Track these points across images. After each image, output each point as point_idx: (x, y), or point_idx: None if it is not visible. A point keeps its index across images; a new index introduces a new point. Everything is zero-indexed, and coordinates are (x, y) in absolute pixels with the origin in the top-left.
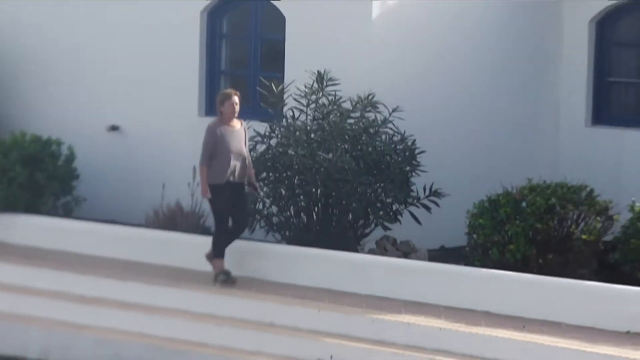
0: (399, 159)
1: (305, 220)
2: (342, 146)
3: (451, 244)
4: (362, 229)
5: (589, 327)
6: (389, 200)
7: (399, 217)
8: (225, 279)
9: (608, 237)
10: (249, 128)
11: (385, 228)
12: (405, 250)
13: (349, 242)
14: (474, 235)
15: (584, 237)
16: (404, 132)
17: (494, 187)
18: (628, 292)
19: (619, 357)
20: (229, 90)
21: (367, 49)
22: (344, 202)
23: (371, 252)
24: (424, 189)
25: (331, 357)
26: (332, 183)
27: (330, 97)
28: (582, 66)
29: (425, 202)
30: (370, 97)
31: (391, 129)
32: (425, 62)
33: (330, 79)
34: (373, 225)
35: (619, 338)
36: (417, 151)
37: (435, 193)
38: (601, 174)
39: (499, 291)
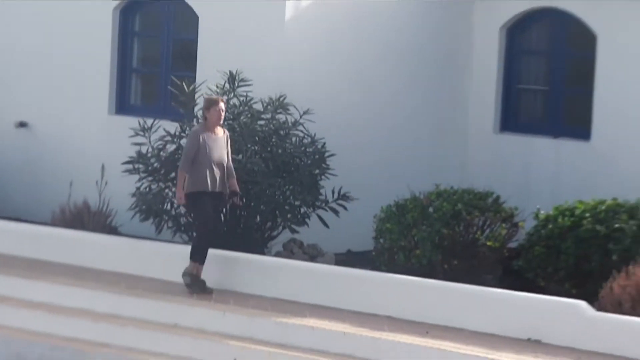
0: (309, 161)
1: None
2: (252, 147)
3: (358, 248)
4: (270, 232)
5: (492, 333)
6: (297, 203)
7: (307, 220)
8: (202, 289)
9: (513, 244)
10: (158, 127)
11: (293, 231)
12: (312, 254)
13: (256, 244)
14: (381, 240)
15: (489, 243)
16: (314, 134)
17: (401, 192)
18: (530, 300)
19: None
20: (215, 96)
21: (279, 51)
22: (252, 204)
23: (278, 254)
24: (333, 192)
25: (234, 359)
26: (241, 184)
27: (241, 98)
28: (492, 73)
29: (334, 205)
30: (281, 99)
31: (301, 131)
32: (337, 66)
33: (242, 80)
34: (281, 227)
35: (520, 345)
36: (326, 154)
37: (344, 197)
38: (508, 181)
39: (403, 296)
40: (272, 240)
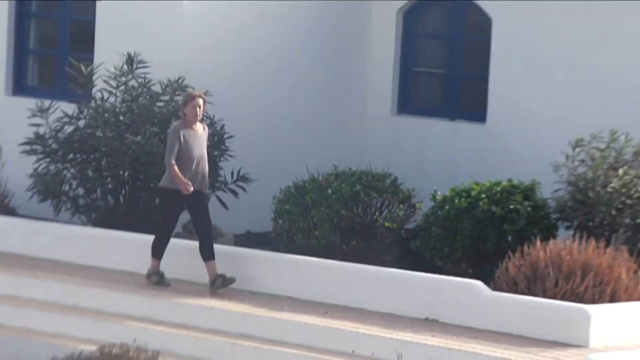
0: (208, 143)
1: (112, 203)
2: (151, 129)
3: (257, 230)
4: None
5: (390, 313)
6: None
7: None
8: (158, 281)
9: (410, 225)
10: (56, 109)
11: None
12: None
13: (155, 225)
14: (280, 221)
15: (387, 224)
16: (213, 116)
17: (300, 174)
18: (428, 280)
19: (417, 344)
20: (194, 92)
21: (179, 33)
22: (151, 185)
23: (177, 235)
24: (232, 174)
25: (134, 340)
26: (140, 166)
27: (140, 80)
28: (389, 56)
29: (233, 187)
30: (180, 81)
31: None
32: (237, 49)
33: (141, 62)
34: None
35: (418, 324)
36: (225, 136)
37: (243, 178)
38: (405, 163)
39: (302, 277)
40: None
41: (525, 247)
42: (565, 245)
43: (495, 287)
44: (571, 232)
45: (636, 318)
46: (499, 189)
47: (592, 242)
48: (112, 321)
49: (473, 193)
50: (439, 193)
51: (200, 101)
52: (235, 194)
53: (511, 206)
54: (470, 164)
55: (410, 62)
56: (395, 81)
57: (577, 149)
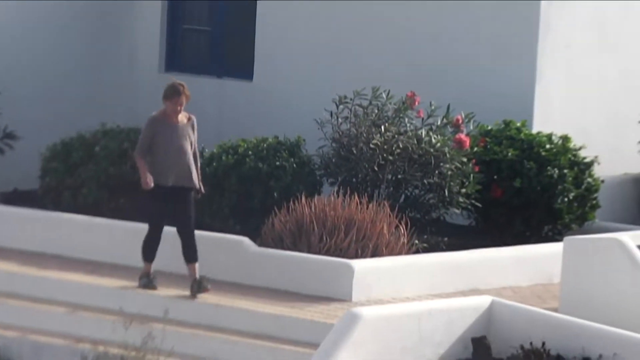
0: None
1: None
2: None
3: (24, 187)
4: None
5: (158, 270)
6: None
7: None
8: (146, 283)
9: None
10: None
11: None
12: None
13: None
14: (47, 179)
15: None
16: None
17: (67, 131)
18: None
19: (184, 300)
20: (175, 84)
21: None
22: None
23: None
24: None
25: None
26: None
27: None
28: (157, 13)
29: None
30: None
31: None
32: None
33: None
34: None
35: (185, 281)
36: None
37: (9, 135)
38: None
39: (70, 235)
40: None
41: (291, 203)
42: (329, 201)
43: (262, 243)
44: (335, 188)
45: (397, 272)
46: (265, 145)
47: (356, 198)
48: None
49: (240, 150)
50: (207, 150)
51: (183, 99)
52: (1, 151)
53: (277, 163)
54: (238, 121)
55: (178, 20)
56: (163, 38)
57: (341, 106)
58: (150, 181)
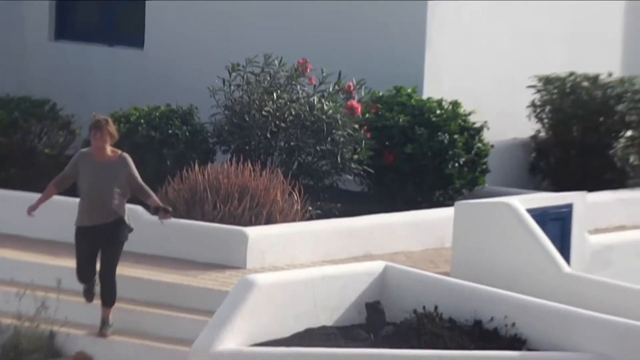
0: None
1: None
2: None
3: None
4: None
5: (51, 240)
6: None
7: None
8: (102, 333)
9: (70, 151)
10: None
11: None
12: None
13: None
14: None
15: (46, 151)
16: None
17: None
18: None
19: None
20: (97, 118)
21: None
22: None
23: None
24: None
25: None
26: None
27: None
28: None
29: None
30: None
31: None
32: None
33: None
34: None
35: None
36: None
37: None
38: (65, 89)
39: None
40: None
41: (185, 171)
42: (223, 169)
43: (153, 213)
44: (228, 155)
45: (291, 239)
46: (157, 114)
47: (249, 166)
48: None
49: (132, 118)
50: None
51: (98, 134)
52: None
53: (170, 131)
54: (130, 90)
55: None
56: (53, 6)
57: (233, 74)
58: (31, 210)
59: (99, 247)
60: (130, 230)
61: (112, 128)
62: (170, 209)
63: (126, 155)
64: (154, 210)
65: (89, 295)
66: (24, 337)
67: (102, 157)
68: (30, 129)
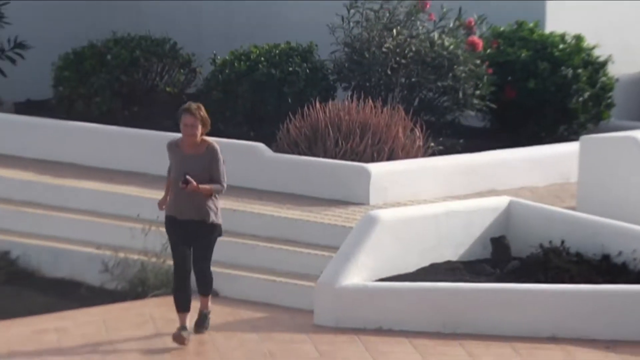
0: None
1: None
2: None
3: (37, 97)
4: None
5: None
6: None
7: None
8: (174, 335)
9: (191, 90)
10: None
11: None
12: None
13: None
14: (60, 88)
15: (167, 89)
16: None
17: (79, 40)
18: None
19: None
20: (186, 105)
21: None
22: None
23: None
24: (9, 41)
25: None
26: None
27: None
28: None
29: (10, 54)
30: None
31: None
32: None
33: None
34: None
35: None
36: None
37: (20, 45)
38: (182, 27)
39: (85, 143)
40: None
41: (305, 108)
42: (343, 105)
43: (277, 149)
44: (349, 92)
45: (413, 175)
46: (277, 51)
47: (370, 102)
48: None
49: (252, 56)
50: (219, 57)
51: (190, 119)
52: (12, 61)
53: (290, 68)
54: (248, 27)
55: None
56: None
57: (352, 11)
58: (161, 204)
59: (189, 240)
60: (220, 232)
61: (205, 115)
62: (190, 182)
63: (216, 146)
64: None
65: (179, 335)
66: (150, 273)
67: (191, 148)
68: (152, 67)
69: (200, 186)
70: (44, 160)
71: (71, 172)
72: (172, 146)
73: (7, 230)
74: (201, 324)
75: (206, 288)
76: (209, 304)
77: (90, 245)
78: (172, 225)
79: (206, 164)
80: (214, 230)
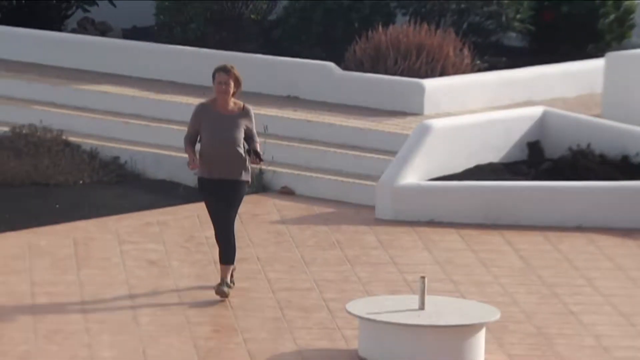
0: (247, 126)
1: (14, 3)
2: None
3: (142, 24)
4: (65, 11)
5: (257, 92)
6: None
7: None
8: (219, 290)
9: (272, 17)
10: None
11: (85, 10)
12: (103, 30)
13: (53, 22)
14: (161, 16)
15: (252, 16)
16: None
17: None
18: (288, 63)
19: (281, 117)
20: (221, 64)
21: None
22: None
23: (73, 31)
24: None
25: (41, 121)
26: None
27: None
28: None
29: None
30: None
31: None
32: None
33: None
34: (74, 7)
35: (281, 101)
36: None
37: None
38: None
39: (182, 64)
40: (67, 19)
41: (369, 32)
42: (402, 29)
43: (345, 67)
44: (407, 17)
45: (462, 88)
46: None
47: (425, 26)
48: (21, 106)
49: None
50: None
51: (224, 76)
52: None
53: None
54: None
55: None
56: None
57: None
58: (193, 162)
59: (223, 198)
60: (249, 186)
61: (238, 74)
62: (262, 155)
63: (249, 107)
64: (249, 152)
65: (220, 288)
66: None
67: (225, 109)
68: None
69: (258, 151)
70: (147, 79)
71: (170, 89)
72: (204, 107)
73: (117, 139)
74: (222, 286)
75: (229, 256)
76: (229, 274)
77: None
78: (207, 186)
79: (241, 124)
80: (245, 187)
